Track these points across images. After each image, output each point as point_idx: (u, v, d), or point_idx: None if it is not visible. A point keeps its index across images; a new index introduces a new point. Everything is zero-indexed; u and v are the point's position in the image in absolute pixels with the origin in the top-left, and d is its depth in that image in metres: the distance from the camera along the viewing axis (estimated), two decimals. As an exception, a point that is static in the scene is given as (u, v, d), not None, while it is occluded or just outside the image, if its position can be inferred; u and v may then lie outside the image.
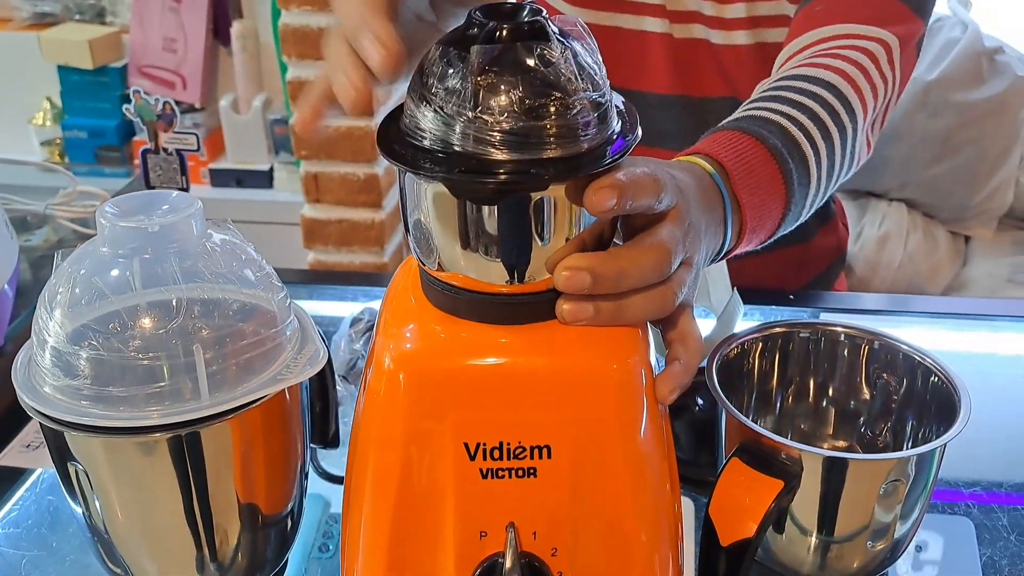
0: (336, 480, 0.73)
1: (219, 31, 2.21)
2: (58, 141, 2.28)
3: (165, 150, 0.96)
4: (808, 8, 0.83)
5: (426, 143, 0.42)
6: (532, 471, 0.45)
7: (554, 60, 0.41)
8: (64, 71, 2.21)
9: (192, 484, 0.52)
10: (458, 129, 0.41)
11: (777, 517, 0.53)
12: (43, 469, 0.75)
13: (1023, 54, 1.80)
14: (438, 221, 0.44)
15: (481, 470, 0.45)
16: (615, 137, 0.44)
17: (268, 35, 2.17)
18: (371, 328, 0.86)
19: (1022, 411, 0.86)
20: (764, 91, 0.72)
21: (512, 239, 0.43)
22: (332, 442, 0.65)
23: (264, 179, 2.20)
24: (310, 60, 1.83)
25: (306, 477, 0.60)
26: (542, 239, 0.43)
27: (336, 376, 0.73)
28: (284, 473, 0.57)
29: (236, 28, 2.15)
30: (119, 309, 0.49)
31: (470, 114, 0.41)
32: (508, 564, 0.45)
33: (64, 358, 0.49)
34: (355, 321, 0.87)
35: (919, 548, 0.68)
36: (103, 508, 0.52)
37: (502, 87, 0.40)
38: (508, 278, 0.44)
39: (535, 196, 0.42)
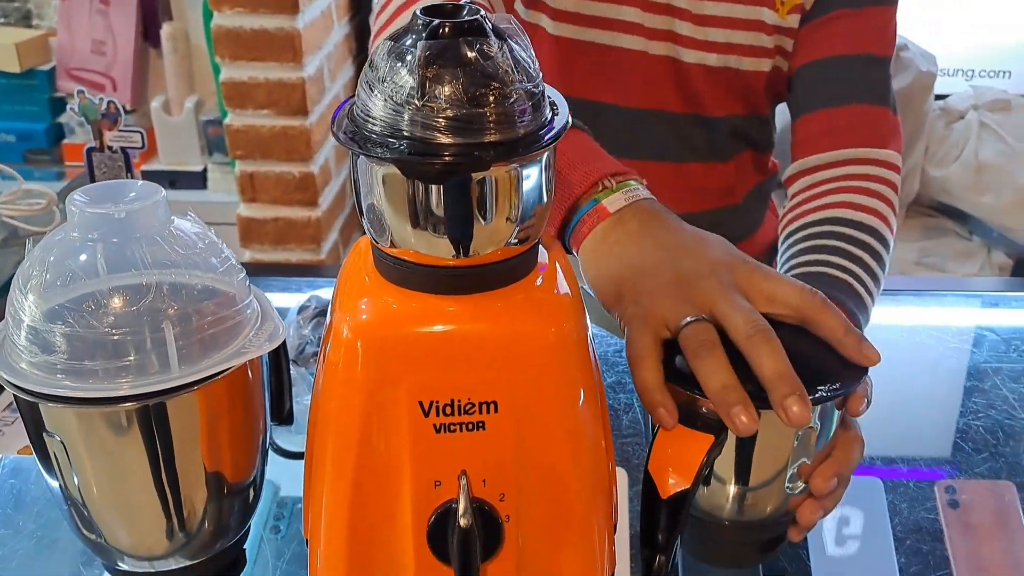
0: (291, 456, 0.77)
1: (148, 33, 2.21)
2: (-14, 145, 2.27)
3: (110, 148, 0.99)
4: (818, 118, 0.96)
5: (377, 129, 0.47)
6: (481, 424, 0.50)
7: (492, 54, 0.46)
8: (-9, 75, 2.20)
9: (160, 453, 0.55)
10: (407, 116, 0.46)
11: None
12: (3, 455, 0.78)
13: (925, 51, 1.90)
14: (389, 201, 0.48)
15: (434, 425, 0.50)
16: (547, 123, 0.49)
17: (198, 37, 2.18)
18: (318, 314, 0.90)
19: (919, 373, 0.94)
20: (820, 239, 0.85)
21: (457, 216, 0.48)
22: (287, 420, 0.69)
23: (198, 180, 2.21)
24: (243, 61, 1.86)
25: (267, 451, 0.64)
26: (484, 216, 0.48)
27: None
28: (248, 444, 0.61)
29: (166, 30, 2.16)
30: (92, 291, 0.53)
31: (417, 103, 0.45)
32: (461, 508, 0.50)
33: (40, 336, 0.53)
34: (302, 308, 0.91)
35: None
36: (78, 478, 0.56)
37: (446, 78, 0.45)
38: (454, 252, 0.49)
39: (477, 176, 0.47)
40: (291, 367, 0.86)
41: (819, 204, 0.89)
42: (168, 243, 0.55)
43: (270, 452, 0.77)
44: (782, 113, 1.07)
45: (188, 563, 0.60)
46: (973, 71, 2.19)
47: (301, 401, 0.79)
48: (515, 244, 0.50)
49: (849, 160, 0.92)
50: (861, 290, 0.79)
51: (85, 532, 0.59)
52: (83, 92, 0.96)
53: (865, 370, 0.59)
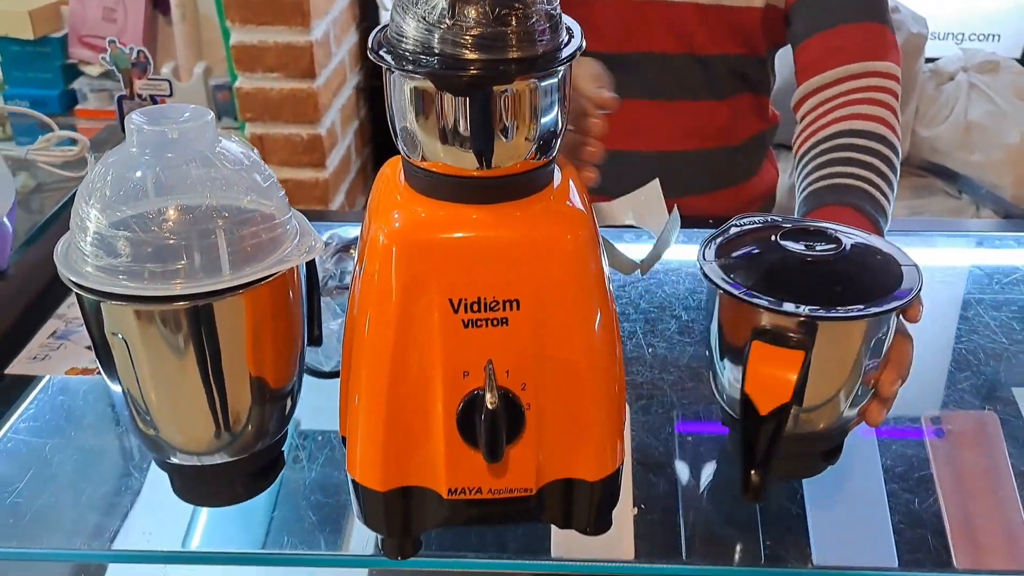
0: (322, 375, 0.83)
1: (158, 1, 2.25)
2: (-1, 111, 2.31)
3: (139, 95, 1.04)
4: (813, 43, 1.01)
5: (410, 47, 0.52)
6: (504, 320, 0.55)
7: (515, -23, 0.52)
8: (4, 42, 2.24)
9: (208, 352, 0.60)
10: (437, 35, 0.51)
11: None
12: (51, 375, 0.84)
13: (915, 12, 1.95)
14: (420, 116, 0.54)
15: (463, 321, 0.55)
16: (564, 44, 0.54)
17: (206, 4, 2.22)
18: (340, 249, 0.95)
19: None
20: (834, 152, 0.91)
21: (481, 128, 0.53)
22: (317, 341, 0.74)
23: (207, 145, 2.25)
24: (252, 25, 1.90)
25: (303, 363, 0.69)
26: (505, 128, 0.53)
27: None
28: (287, 350, 0.66)
29: (176, -3, 2.20)
30: (150, 201, 0.59)
31: (448, 22, 0.51)
32: (488, 392, 0.55)
33: (104, 241, 0.58)
34: (325, 245, 0.97)
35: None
36: (136, 374, 0.61)
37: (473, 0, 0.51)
38: (478, 164, 0.54)
39: (499, 90, 0.52)
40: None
41: (827, 120, 0.95)
42: (218, 159, 0.61)
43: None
44: (786, 65, 1.11)
45: (232, 459, 0.66)
46: (963, 34, 2.24)
47: (328, 327, 0.85)
48: (533, 158, 0.55)
49: (851, 76, 0.97)
50: (876, 193, 0.86)
51: (140, 427, 0.64)
52: (114, 42, 1.01)
53: (919, 285, 0.65)
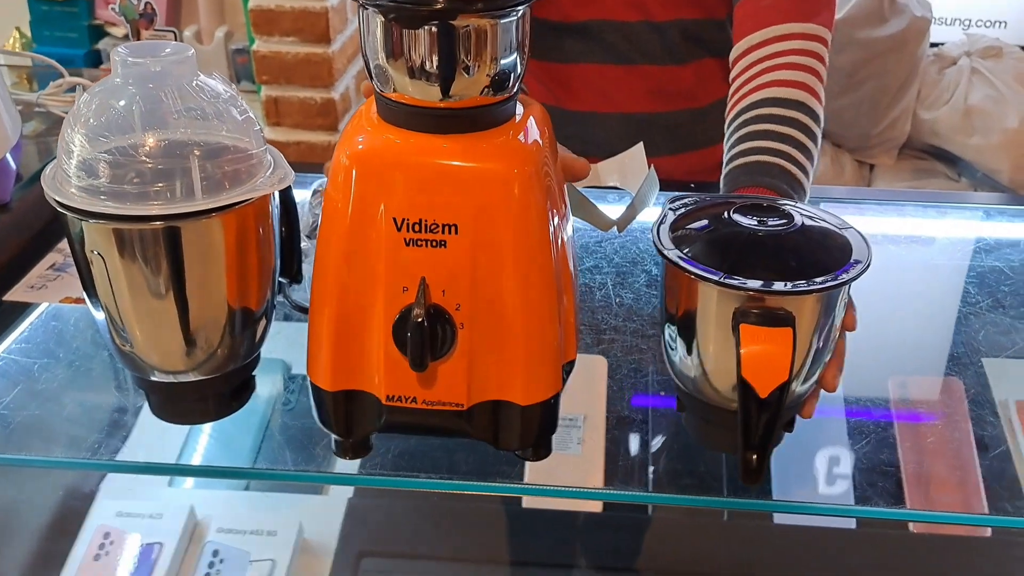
0: (304, 310, 0.86)
1: (183, -35, 2.30)
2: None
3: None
4: (746, 6, 1.01)
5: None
6: (443, 243, 0.59)
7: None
8: (33, 2, 2.30)
9: (180, 273, 0.64)
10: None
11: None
12: (47, 303, 0.88)
13: (921, -4, 1.96)
14: (386, 48, 0.57)
15: (405, 239, 0.59)
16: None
17: (229, -31, 2.27)
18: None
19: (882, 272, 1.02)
20: (751, 124, 0.92)
21: (441, 60, 0.56)
22: (296, 276, 0.78)
23: (226, 108, 2.30)
24: (271, -10, 1.94)
25: (275, 291, 0.73)
26: (465, 62, 0.57)
27: (301, 234, 0.86)
28: (259, 278, 0.69)
29: (199, -38, 2.25)
30: (131, 127, 0.62)
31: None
32: (416, 308, 0.59)
33: (87, 164, 0.61)
34: (315, 192, 1.01)
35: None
36: (114, 293, 0.65)
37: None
38: (440, 95, 0.58)
39: (459, 24, 0.56)
40: (304, 240, 0.96)
41: (749, 88, 0.96)
42: (196, 92, 0.65)
43: (288, 311, 0.87)
44: None
45: (203, 378, 0.70)
46: (970, 20, 2.24)
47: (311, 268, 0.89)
48: (492, 93, 0.59)
49: (774, 38, 0.98)
50: (791, 166, 0.87)
51: (119, 345, 0.68)
52: (122, -8, 1.05)
53: (868, 253, 0.64)
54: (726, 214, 0.67)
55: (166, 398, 0.72)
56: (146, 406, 0.76)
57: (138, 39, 1.07)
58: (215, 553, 0.98)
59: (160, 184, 0.62)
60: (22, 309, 0.88)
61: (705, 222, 0.68)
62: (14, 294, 0.89)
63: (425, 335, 0.59)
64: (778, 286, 0.61)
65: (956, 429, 0.80)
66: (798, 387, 0.66)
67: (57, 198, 0.63)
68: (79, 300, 0.89)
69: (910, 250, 1.06)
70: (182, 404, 0.72)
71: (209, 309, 0.67)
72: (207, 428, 0.76)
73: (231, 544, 0.98)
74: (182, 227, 0.63)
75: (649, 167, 0.96)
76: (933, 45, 2.09)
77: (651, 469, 0.74)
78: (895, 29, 1.87)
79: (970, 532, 0.87)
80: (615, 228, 0.94)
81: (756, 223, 0.65)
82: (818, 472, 0.75)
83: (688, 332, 0.66)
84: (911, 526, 0.83)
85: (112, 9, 1.05)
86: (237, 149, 0.65)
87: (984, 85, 1.95)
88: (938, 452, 0.79)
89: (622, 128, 1.18)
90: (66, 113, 1.12)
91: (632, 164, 1.07)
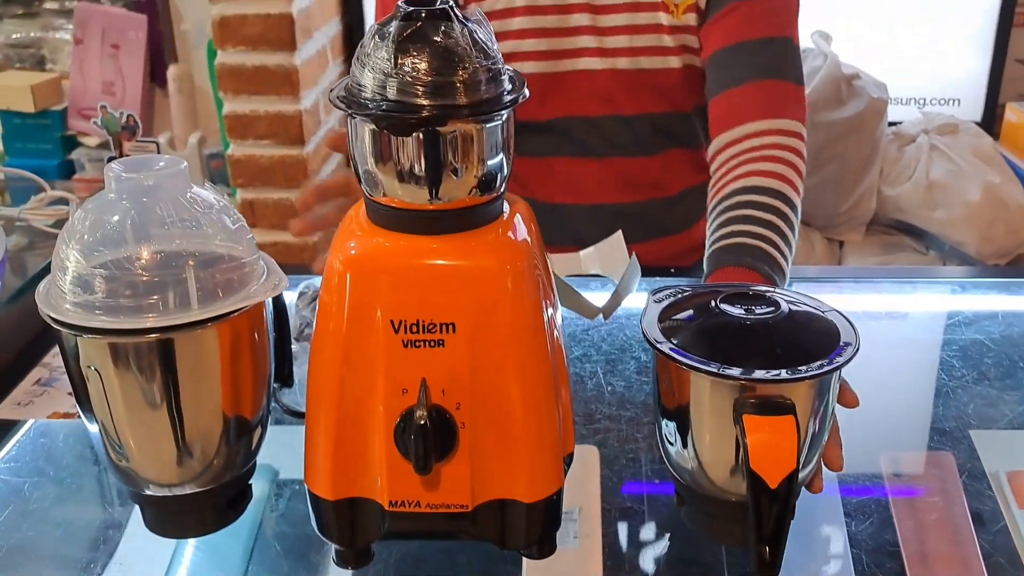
0: (298, 415, 0.86)
1: (156, 74, 2.34)
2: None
3: (128, 157, 1.09)
4: (720, 101, 1.08)
5: (367, 95, 0.58)
6: (441, 342, 0.59)
7: (454, 35, 0.57)
8: (6, 115, 2.32)
9: (176, 385, 0.64)
10: (386, 84, 0.57)
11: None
12: (34, 420, 0.88)
13: (876, 79, 2.02)
14: (375, 155, 0.59)
15: (403, 341, 0.59)
16: (506, 94, 0.60)
17: (201, 77, 2.31)
18: (315, 297, 1.00)
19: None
20: (733, 210, 0.96)
21: (428, 165, 0.58)
22: (288, 379, 0.78)
23: (201, 212, 2.32)
24: (244, 96, 1.98)
25: (271, 397, 0.73)
26: (452, 165, 0.58)
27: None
28: (254, 385, 0.69)
29: (172, 71, 2.29)
30: (125, 241, 0.63)
31: (395, 72, 0.56)
32: (419, 410, 0.59)
33: (82, 279, 0.62)
34: (301, 294, 1.01)
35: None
36: (110, 407, 0.64)
37: (415, 52, 0.56)
38: (429, 198, 0.59)
39: (444, 131, 0.57)
40: (293, 343, 0.96)
41: (729, 179, 1.01)
42: (189, 204, 0.65)
43: (279, 416, 0.87)
44: None
45: (200, 490, 0.69)
46: (924, 99, 2.32)
47: (303, 369, 0.88)
48: (480, 194, 0.60)
49: (750, 134, 1.04)
50: (772, 251, 0.91)
51: (113, 459, 0.67)
52: (104, 107, 1.07)
53: (856, 338, 0.65)
54: (712, 303, 0.67)
55: (162, 512, 0.70)
56: (132, 522, 0.75)
57: (120, 151, 1.08)
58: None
59: (155, 296, 0.62)
60: (12, 425, 0.87)
61: (691, 312, 0.69)
62: (2, 411, 0.89)
63: (429, 437, 0.59)
64: (780, 374, 0.61)
65: (952, 503, 0.80)
66: (801, 473, 0.66)
67: (52, 314, 0.63)
68: (67, 415, 0.88)
69: (889, 326, 1.08)
70: (178, 517, 0.70)
71: (206, 419, 0.66)
72: (195, 539, 0.75)
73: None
74: (177, 338, 0.63)
75: (631, 254, 0.98)
76: (891, 124, 2.16)
77: (651, 560, 0.73)
78: (854, 111, 1.93)
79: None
80: (600, 316, 0.95)
81: (743, 312, 0.66)
82: (817, 553, 0.75)
83: (683, 424, 0.66)
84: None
85: (94, 123, 1.06)
86: (231, 258, 0.65)
87: (943, 160, 2.01)
88: (935, 527, 0.78)
89: (592, 219, 1.21)
90: (48, 227, 1.14)
91: (612, 252, 1.09)
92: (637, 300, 0.97)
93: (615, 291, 0.95)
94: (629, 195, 1.23)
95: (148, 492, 0.69)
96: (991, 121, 2.36)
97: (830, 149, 1.94)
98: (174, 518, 0.71)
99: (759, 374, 0.61)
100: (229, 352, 0.65)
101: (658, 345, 0.64)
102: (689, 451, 0.67)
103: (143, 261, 0.62)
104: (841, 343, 0.64)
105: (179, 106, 2.31)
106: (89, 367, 0.64)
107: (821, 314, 0.68)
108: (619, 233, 1.09)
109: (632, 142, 1.19)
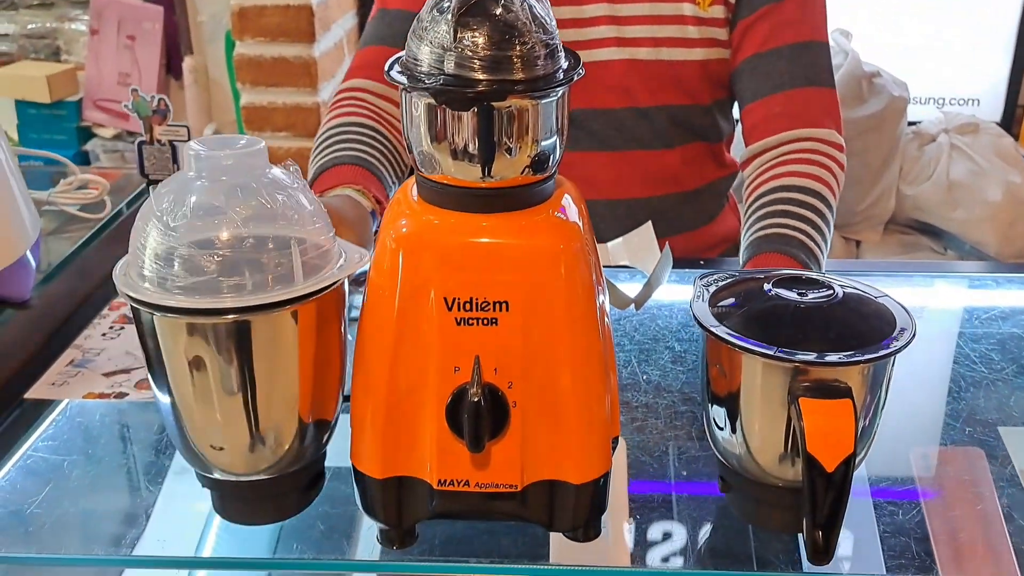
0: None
1: (171, 66, 2.34)
2: (13, 172, 2.38)
3: (159, 141, 1.09)
4: (756, 108, 1.11)
5: (423, 70, 0.58)
6: (494, 320, 0.59)
7: (514, 9, 0.57)
8: (22, 105, 2.32)
9: (253, 367, 0.61)
10: (444, 58, 0.57)
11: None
12: (69, 400, 0.87)
13: (897, 77, 2.02)
14: (429, 129, 0.59)
15: (456, 319, 0.59)
16: (562, 71, 0.60)
17: (216, 69, 2.31)
18: (350, 283, 0.99)
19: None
20: (771, 205, 0.99)
21: (483, 141, 0.58)
22: None
23: (215, 204, 2.32)
24: (262, 87, 1.98)
25: (345, 379, 0.68)
26: (506, 143, 0.58)
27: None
28: (332, 368, 0.66)
29: (188, 63, 2.29)
30: (205, 221, 0.60)
31: (454, 46, 0.56)
32: (472, 388, 0.59)
33: (161, 257, 0.60)
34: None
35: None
36: (185, 386, 0.62)
37: (475, 26, 0.56)
38: (481, 175, 0.59)
39: (500, 106, 0.57)
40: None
41: (768, 177, 1.03)
42: (266, 185, 0.63)
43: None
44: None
45: (275, 476, 0.66)
46: (944, 99, 2.32)
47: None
48: (532, 173, 0.60)
49: (789, 140, 1.07)
50: (809, 242, 0.93)
51: (186, 441, 0.65)
52: (136, 90, 1.07)
53: (913, 324, 0.65)
54: (765, 287, 0.67)
55: (233, 497, 0.68)
56: (162, 498, 0.75)
57: (151, 136, 1.08)
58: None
59: (234, 279, 0.60)
60: (47, 405, 0.87)
61: (742, 297, 0.68)
62: (36, 391, 0.88)
63: (483, 415, 0.59)
64: (840, 357, 0.61)
65: (983, 499, 0.80)
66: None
67: (129, 292, 0.61)
68: (101, 395, 0.88)
69: (928, 320, 1.08)
70: (251, 503, 0.68)
71: (281, 405, 0.64)
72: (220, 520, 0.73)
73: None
74: (254, 320, 0.60)
75: (664, 245, 0.98)
76: (911, 123, 2.16)
77: (679, 550, 0.73)
78: (874, 109, 1.93)
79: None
80: (632, 306, 0.95)
81: (797, 296, 0.66)
82: (848, 548, 0.75)
83: (733, 409, 0.66)
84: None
85: (124, 106, 1.06)
86: (308, 239, 0.63)
87: (964, 160, 2.01)
88: (966, 523, 0.78)
89: (610, 214, 1.21)
90: (77, 212, 1.14)
91: (641, 243, 1.09)
92: (666, 292, 0.97)
93: (647, 281, 0.95)
94: (647, 190, 1.22)
95: (217, 476, 0.66)
96: (1011, 121, 2.36)
97: (849, 147, 1.91)
98: (246, 504, 0.68)
99: (831, 357, 0.61)
100: (308, 334, 0.63)
101: (712, 329, 0.64)
102: (738, 436, 0.66)
103: (221, 241, 0.60)
104: (897, 328, 0.64)
105: (194, 98, 2.31)
106: (167, 347, 0.61)
107: (874, 299, 0.67)
108: (648, 224, 1.09)
109: (650, 135, 1.19)
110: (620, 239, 1.09)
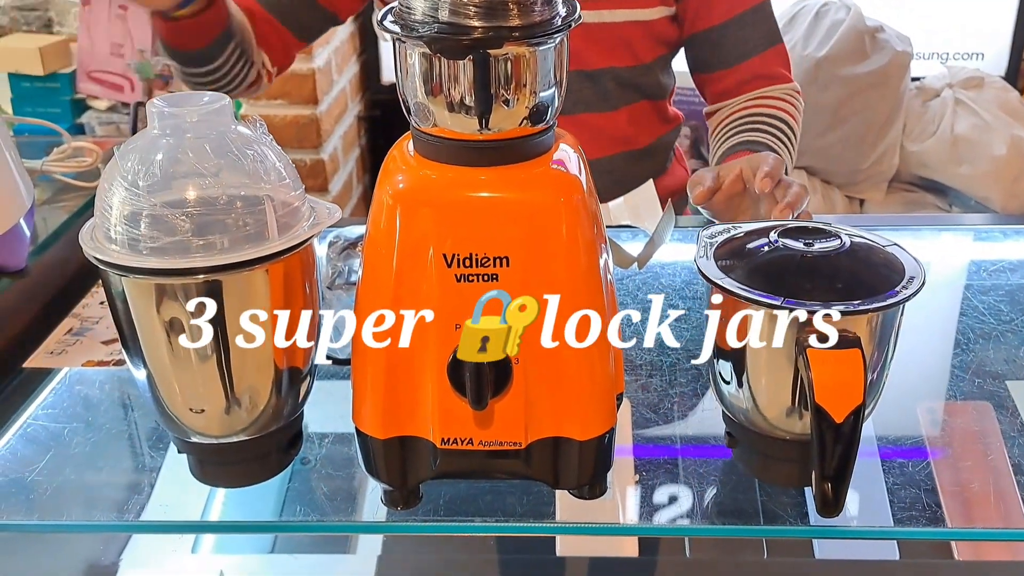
0: (338, 361, 0.84)
1: (165, 37, 2.32)
2: (9, 146, 2.36)
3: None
4: (723, 76, 1.21)
5: (417, 18, 0.56)
6: (495, 276, 0.58)
7: (510, -47, 0.55)
8: (15, 78, 2.29)
9: (225, 327, 0.62)
10: (439, 5, 0.55)
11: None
12: (68, 368, 0.87)
13: (900, 32, 2.00)
14: (423, 80, 0.57)
15: (456, 275, 0.58)
16: (559, 16, 0.58)
17: (212, 40, 2.28)
18: (348, 246, 0.98)
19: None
20: (736, 125, 1.15)
21: (480, 92, 0.56)
22: None
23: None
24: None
25: (319, 338, 0.69)
26: (503, 93, 0.57)
27: (322, 286, 0.85)
28: (304, 327, 0.66)
29: (182, 33, 2.26)
30: (170, 179, 0.60)
31: (447, -6, 0.55)
32: None
33: (127, 218, 0.59)
34: (331, 244, 1.00)
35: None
36: (156, 349, 0.62)
37: (472, -29, 0.55)
38: (478, 127, 0.58)
39: (496, 54, 0.56)
40: (325, 291, 0.95)
41: (736, 110, 1.16)
42: (234, 142, 0.63)
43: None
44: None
45: (250, 437, 0.67)
46: (948, 53, 2.29)
47: (336, 317, 0.87)
48: (530, 124, 0.59)
49: (757, 97, 1.19)
50: (779, 146, 1.06)
51: (162, 406, 0.65)
52: (143, 51, 1.05)
53: (922, 272, 0.63)
54: (771, 238, 0.66)
55: (210, 459, 0.69)
56: (167, 465, 0.74)
57: (150, 98, 1.07)
58: (243, 619, 0.94)
59: (202, 238, 0.60)
60: (46, 373, 0.86)
61: (747, 248, 0.67)
62: (35, 360, 0.88)
63: (484, 371, 0.58)
64: (849, 306, 0.59)
65: (990, 451, 0.80)
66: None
67: (97, 255, 0.61)
68: (101, 363, 0.87)
69: (935, 273, 1.07)
70: (228, 465, 0.69)
71: (255, 365, 0.64)
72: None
73: (259, 609, 0.95)
74: (226, 280, 0.60)
75: (667, 203, 0.97)
76: (915, 79, 2.13)
77: (687, 507, 0.72)
78: (877, 65, 1.91)
79: (1015, 556, 0.85)
80: (635, 265, 0.94)
81: (804, 246, 0.65)
82: (855, 503, 0.74)
83: (740, 363, 0.65)
84: (956, 554, 0.82)
85: (128, 64, 1.04)
86: (277, 197, 0.63)
87: (969, 115, 1.99)
88: (975, 477, 0.78)
89: None
90: (71, 179, 1.12)
91: (643, 202, 1.08)
92: (668, 251, 0.96)
93: (650, 240, 0.94)
94: (598, 151, 1.24)
95: (195, 440, 0.67)
96: (1016, 75, 2.33)
97: (851, 104, 1.92)
98: (222, 466, 0.69)
99: (840, 306, 0.60)
100: (278, 293, 0.63)
101: (718, 281, 0.63)
102: (745, 390, 0.66)
103: (189, 199, 0.60)
104: (906, 277, 0.63)
105: (190, 68, 2.28)
106: (137, 310, 0.62)
107: (883, 248, 0.66)
108: (650, 182, 1.08)
109: (597, 97, 1.21)
110: (621, 198, 1.08)
